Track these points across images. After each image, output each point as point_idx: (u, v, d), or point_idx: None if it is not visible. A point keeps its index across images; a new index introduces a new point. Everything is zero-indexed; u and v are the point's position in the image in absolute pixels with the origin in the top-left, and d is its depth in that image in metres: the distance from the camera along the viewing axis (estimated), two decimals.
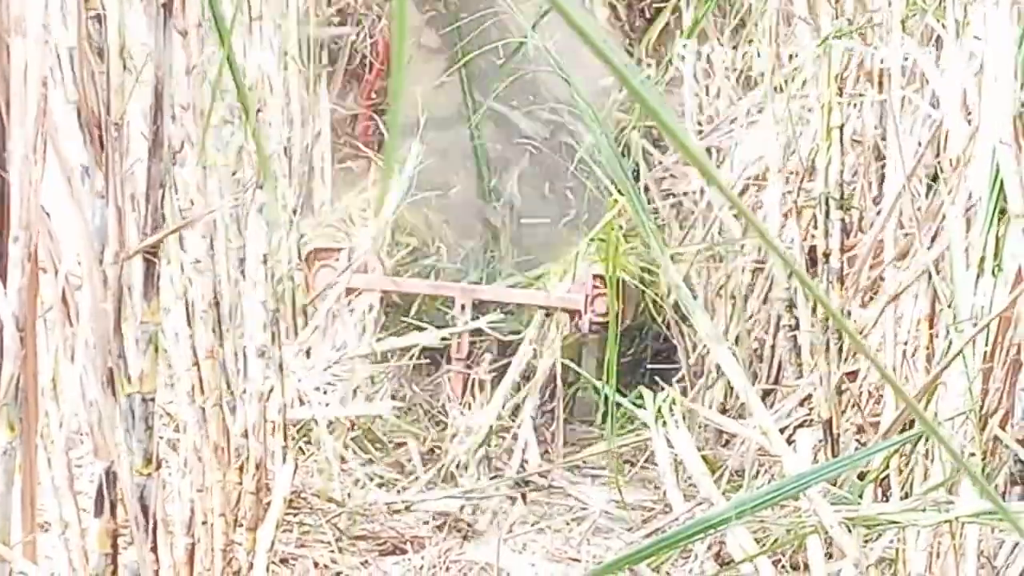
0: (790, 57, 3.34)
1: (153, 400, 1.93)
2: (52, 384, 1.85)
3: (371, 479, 3.16)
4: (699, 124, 4.00)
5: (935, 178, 2.90)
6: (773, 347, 3.60)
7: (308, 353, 3.31)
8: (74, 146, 1.83)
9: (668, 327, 4.01)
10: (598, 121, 2.68)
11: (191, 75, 2.18)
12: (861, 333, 3.15)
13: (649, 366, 4.07)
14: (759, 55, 3.70)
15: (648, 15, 4.44)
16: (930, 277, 2.78)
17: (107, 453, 1.82)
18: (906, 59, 3.04)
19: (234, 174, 2.47)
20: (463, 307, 3.83)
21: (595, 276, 3.82)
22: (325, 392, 3.15)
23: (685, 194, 4.03)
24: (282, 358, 2.59)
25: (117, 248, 1.78)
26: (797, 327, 3.34)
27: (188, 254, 2.31)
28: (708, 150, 3.97)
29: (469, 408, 3.75)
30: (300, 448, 3.13)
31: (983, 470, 2.54)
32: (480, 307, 3.94)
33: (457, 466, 3.45)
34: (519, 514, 3.16)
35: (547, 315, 3.84)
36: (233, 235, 2.46)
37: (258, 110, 2.58)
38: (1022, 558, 2.51)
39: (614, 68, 0.79)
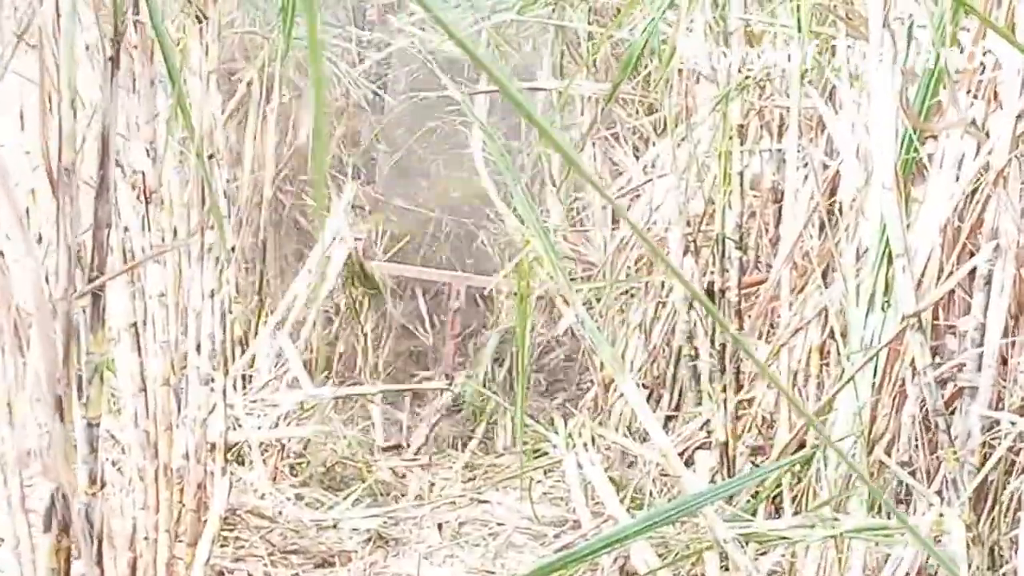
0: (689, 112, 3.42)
1: (98, 425, 2.03)
2: (7, 409, 1.94)
3: (301, 498, 3.32)
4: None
5: (827, 219, 2.94)
6: (675, 376, 3.72)
7: (244, 380, 3.40)
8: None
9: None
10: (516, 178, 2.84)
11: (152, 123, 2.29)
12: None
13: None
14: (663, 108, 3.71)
15: None
16: (824, 312, 2.87)
17: (56, 475, 1.91)
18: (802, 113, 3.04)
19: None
20: (458, 293, 4.52)
21: None
22: (261, 416, 3.24)
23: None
24: (225, 385, 2.70)
25: (67, 285, 1.88)
26: (697, 357, 3.41)
27: (149, 286, 2.43)
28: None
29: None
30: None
31: (869, 490, 2.59)
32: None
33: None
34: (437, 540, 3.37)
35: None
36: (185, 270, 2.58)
37: (210, 156, 2.68)
38: (902, 571, 2.55)
39: (535, 122, 0.93)
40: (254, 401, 3.35)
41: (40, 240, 2.16)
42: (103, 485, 2.06)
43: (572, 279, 4.04)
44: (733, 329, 3.28)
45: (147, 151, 2.30)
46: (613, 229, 4.06)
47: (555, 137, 0.96)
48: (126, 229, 2.36)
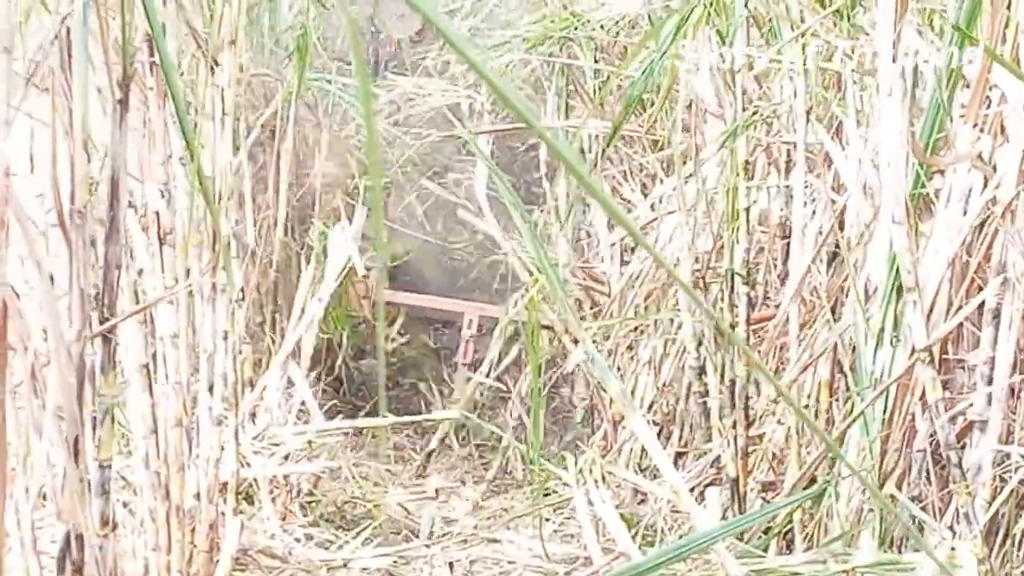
0: (697, 149, 3.39)
1: (110, 466, 1.97)
2: (22, 452, 1.87)
3: (311, 538, 3.24)
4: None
5: (834, 255, 2.91)
6: (685, 412, 3.65)
7: (253, 417, 3.34)
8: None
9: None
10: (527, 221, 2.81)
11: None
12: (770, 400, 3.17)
13: None
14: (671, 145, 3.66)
15: None
16: (835, 347, 2.79)
17: (72, 516, 1.84)
18: (809, 149, 2.95)
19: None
20: (471, 321, 4.35)
21: None
22: (272, 455, 3.17)
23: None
24: (237, 426, 2.65)
25: (80, 327, 1.82)
26: (707, 393, 3.37)
27: (161, 328, 2.37)
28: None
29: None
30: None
31: (880, 524, 2.57)
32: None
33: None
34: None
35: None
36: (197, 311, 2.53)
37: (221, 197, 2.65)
38: None
39: (554, 149, 0.92)
40: (261, 439, 3.30)
41: (52, 282, 2.09)
42: (115, 526, 2.01)
43: (582, 317, 4.03)
44: (740, 373, 3.25)
45: (161, 192, 2.26)
46: (623, 264, 3.98)
47: (575, 167, 0.95)
48: (140, 272, 2.32)
